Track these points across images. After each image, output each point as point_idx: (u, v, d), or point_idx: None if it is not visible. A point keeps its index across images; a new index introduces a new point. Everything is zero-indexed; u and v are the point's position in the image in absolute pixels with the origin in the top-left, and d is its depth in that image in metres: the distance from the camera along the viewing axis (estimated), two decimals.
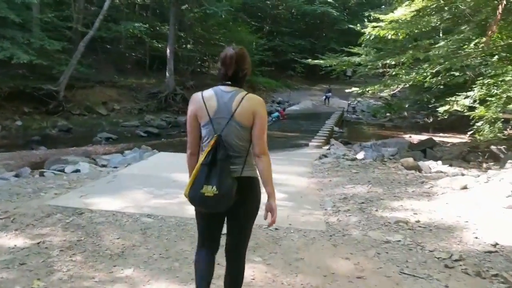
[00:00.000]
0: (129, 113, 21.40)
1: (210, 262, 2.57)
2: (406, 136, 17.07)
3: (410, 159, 7.52)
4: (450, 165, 8.22)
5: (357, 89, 13.37)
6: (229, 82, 2.38)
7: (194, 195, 2.30)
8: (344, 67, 13.93)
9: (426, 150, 9.55)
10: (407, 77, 10.44)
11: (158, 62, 26.04)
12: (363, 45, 15.22)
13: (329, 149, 12.39)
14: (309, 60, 14.29)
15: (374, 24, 10.42)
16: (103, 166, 8.23)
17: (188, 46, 28.87)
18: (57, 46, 18.23)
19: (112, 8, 25.81)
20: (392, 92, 15.40)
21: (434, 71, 9.67)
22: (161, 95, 22.35)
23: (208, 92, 2.40)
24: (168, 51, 22.83)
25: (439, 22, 9.65)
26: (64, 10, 21.61)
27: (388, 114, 28.63)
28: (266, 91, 31.08)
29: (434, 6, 9.05)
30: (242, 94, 2.35)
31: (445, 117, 16.68)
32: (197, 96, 2.42)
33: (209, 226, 2.54)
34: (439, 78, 11.79)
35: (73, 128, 18.25)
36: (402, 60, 9.36)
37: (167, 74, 22.85)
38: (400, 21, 10.22)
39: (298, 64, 33.53)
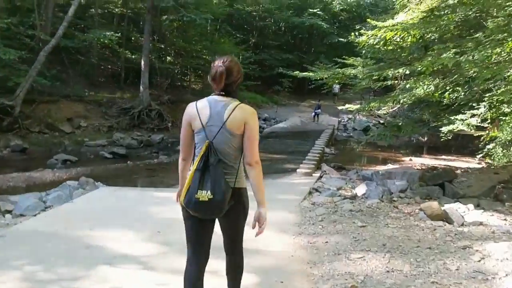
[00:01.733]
0: (97, 131, 19.19)
1: (197, 272, 2.54)
2: (406, 159, 15.11)
3: (434, 204, 5.48)
4: (483, 209, 6.19)
5: (354, 106, 11.44)
6: (223, 93, 2.48)
7: (189, 201, 2.35)
8: (336, 81, 11.96)
9: (444, 184, 7.52)
10: (424, 89, 8.50)
11: (134, 75, 23.94)
12: (361, 55, 13.36)
13: (321, 177, 10.38)
14: (297, 72, 12.28)
15: (375, 30, 8.51)
16: (7, 212, 6.05)
17: (168, 58, 26.86)
18: (13, 55, 16.07)
19: (87, 17, 23.89)
20: (391, 110, 13.46)
21: (459, 82, 7.73)
22: (133, 111, 20.19)
23: (202, 102, 2.53)
24: (142, 62, 20.77)
25: (459, 21, 7.70)
26: (29, 16, 19.53)
27: (376, 130, 27.08)
28: (251, 106, 29.08)
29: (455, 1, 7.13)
30: (235, 103, 2.47)
31: (449, 137, 14.85)
32: (191, 105, 2.55)
33: (198, 233, 2.55)
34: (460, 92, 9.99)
35: (29, 148, 15.97)
36: (419, 69, 7.38)
37: (141, 88, 20.76)
38: (406, 24, 8.30)
39: (285, 78, 31.65)
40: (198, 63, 26.67)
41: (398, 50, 9.62)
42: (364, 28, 10.86)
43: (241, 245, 2.71)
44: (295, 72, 12.39)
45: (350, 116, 29.45)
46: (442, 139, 12.83)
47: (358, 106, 12.03)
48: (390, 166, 13.41)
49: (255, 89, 31.24)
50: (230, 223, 2.57)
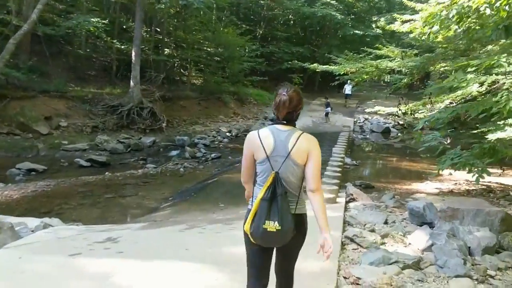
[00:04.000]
0: (79, 132, 16.60)
1: None
2: (444, 173, 12.33)
3: None
4: None
5: (386, 109, 8.77)
6: (285, 122, 2.54)
7: (256, 231, 2.39)
8: (366, 76, 9.26)
9: None
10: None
11: (127, 69, 21.27)
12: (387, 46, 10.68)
13: (347, 203, 7.77)
14: (316, 65, 9.63)
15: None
16: None
17: (167, 50, 24.20)
18: None
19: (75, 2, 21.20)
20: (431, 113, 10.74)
21: None
22: (122, 109, 17.58)
23: (265, 131, 2.56)
24: (133, 53, 18.13)
25: None
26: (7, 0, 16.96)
27: (399, 134, 24.29)
28: (257, 105, 26.40)
29: None
30: (298, 133, 2.52)
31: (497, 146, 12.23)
32: (253, 134, 2.58)
33: (260, 259, 2.59)
34: None
35: None
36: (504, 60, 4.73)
37: (131, 83, 18.14)
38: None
39: (295, 74, 28.93)
40: (199, 56, 24.01)
41: (464, 34, 6.89)
42: (380, 21, 8.33)
43: (293, 269, 2.72)
44: (312, 65, 9.69)
45: (367, 116, 26.80)
46: (485, 148, 10.25)
47: (397, 108, 9.31)
48: (429, 184, 10.71)
49: (261, 85, 28.54)
50: (289, 250, 2.60)
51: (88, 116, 17.58)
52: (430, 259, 4.65)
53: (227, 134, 19.68)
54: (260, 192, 2.45)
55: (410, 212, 6.68)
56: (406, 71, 7.85)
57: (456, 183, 10.71)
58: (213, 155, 14.85)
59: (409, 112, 9.57)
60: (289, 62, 29.31)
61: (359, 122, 25.19)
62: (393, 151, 18.49)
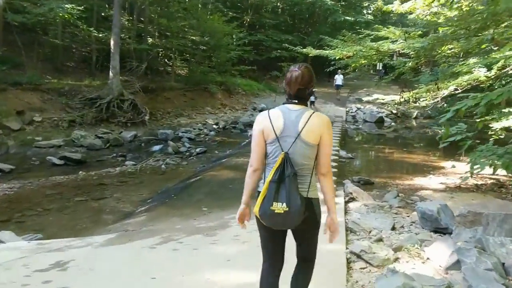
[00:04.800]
0: (55, 127, 15.44)
1: (273, 280, 2.61)
2: (446, 165, 11.48)
3: None
4: None
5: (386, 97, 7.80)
6: (296, 101, 2.48)
7: (264, 212, 2.37)
8: (365, 60, 8.28)
9: None
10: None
11: (108, 59, 20.05)
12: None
13: (347, 203, 6.88)
14: (309, 49, 8.64)
15: None
16: None
17: (150, 39, 23.01)
18: None
19: None
20: (433, 101, 9.85)
21: None
22: (101, 102, 16.45)
23: (275, 111, 2.50)
24: (112, 42, 16.96)
25: None
26: None
27: (393, 124, 23.45)
28: (245, 95, 25.35)
29: None
30: (309, 112, 2.46)
31: (501, 136, 11.44)
32: (263, 114, 2.52)
33: (273, 241, 2.60)
34: None
35: None
36: None
37: (110, 73, 17.00)
38: None
39: (285, 62, 27.85)
40: (184, 44, 22.85)
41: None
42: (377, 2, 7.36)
43: (314, 255, 2.72)
44: (305, 49, 8.67)
45: (359, 106, 25.92)
46: (492, 138, 9.43)
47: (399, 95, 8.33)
48: (433, 179, 9.83)
49: (250, 75, 27.48)
50: (303, 234, 2.58)
51: (64, 109, 16.41)
52: (458, 281, 3.73)
53: (214, 126, 18.65)
54: (269, 174, 2.41)
55: (422, 216, 5.76)
56: (412, 53, 6.93)
57: (461, 177, 9.82)
58: (198, 149, 13.82)
59: (412, 100, 8.63)
60: (278, 51, 28.29)
61: (351, 112, 24.32)
62: (388, 142, 17.61)
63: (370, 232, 5.54)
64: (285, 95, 2.57)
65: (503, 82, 12.30)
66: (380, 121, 22.83)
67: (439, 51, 6.97)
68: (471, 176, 6.04)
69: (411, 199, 7.75)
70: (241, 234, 5.31)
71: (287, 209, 2.30)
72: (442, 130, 3.80)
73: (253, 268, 4.06)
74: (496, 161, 3.46)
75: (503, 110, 10.72)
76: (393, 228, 5.79)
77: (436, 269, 4.14)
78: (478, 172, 4.02)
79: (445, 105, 12.64)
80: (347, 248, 4.63)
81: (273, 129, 2.44)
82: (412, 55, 7.33)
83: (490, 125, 12.05)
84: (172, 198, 8.04)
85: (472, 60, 9.92)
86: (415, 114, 24.48)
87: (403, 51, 7.36)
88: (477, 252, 3.89)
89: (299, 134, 2.41)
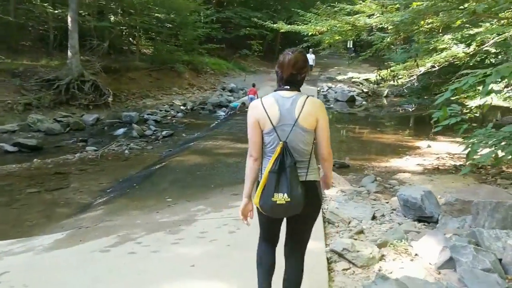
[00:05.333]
0: (9, 111, 14.34)
1: (272, 255, 2.68)
2: (421, 145, 11.19)
3: None
4: None
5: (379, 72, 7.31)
6: (287, 87, 2.44)
7: (265, 203, 2.35)
8: (339, 37, 7.72)
9: None
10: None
11: (64, 37, 18.81)
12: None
13: (324, 198, 6.35)
14: (281, 24, 8.01)
15: None
16: None
17: (113, 17, 21.78)
18: None
19: None
20: (410, 78, 9.43)
21: None
22: (60, 83, 15.41)
23: (268, 99, 2.44)
24: (69, 19, 15.86)
25: None
26: None
27: (364, 102, 23.17)
28: (214, 75, 24.53)
29: None
30: (303, 98, 2.42)
31: (477, 114, 11.31)
32: (257, 103, 2.46)
33: (272, 226, 2.63)
34: None
35: None
36: None
37: (69, 53, 15.94)
38: None
39: (254, 41, 27.13)
40: (149, 22, 21.78)
41: None
42: None
43: (305, 248, 2.67)
44: (277, 24, 8.04)
45: (330, 84, 25.50)
46: (469, 116, 9.15)
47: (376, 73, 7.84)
48: (409, 160, 9.48)
49: (218, 53, 26.59)
50: (302, 219, 2.52)
51: (19, 92, 15.28)
52: (454, 284, 3.28)
53: (182, 107, 17.85)
54: (268, 164, 2.37)
55: (404, 204, 5.33)
56: (390, 27, 6.43)
57: (438, 158, 9.53)
58: (164, 132, 13.09)
59: (388, 78, 8.17)
60: (247, 28, 27.46)
61: (322, 91, 23.88)
62: (360, 121, 17.29)
63: (349, 223, 5.09)
64: (277, 80, 2.50)
65: (479, 59, 12.02)
66: (351, 100, 22.53)
67: (419, 26, 6.49)
68: (470, 166, 5.64)
69: (389, 183, 7.35)
70: (208, 230, 4.77)
71: (289, 199, 2.27)
72: (437, 112, 3.30)
73: (220, 274, 3.53)
74: (499, 150, 2.98)
75: (478, 88, 10.48)
76: (374, 218, 5.35)
77: (427, 268, 3.69)
78: (481, 162, 3.51)
79: (416, 84, 12.30)
80: (327, 245, 4.14)
81: (269, 119, 2.39)
82: (390, 30, 6.86)
83: (465, 103, 11.80)
84: (134, 188, 7.39)
85: (447, 37, 9.53)
86: (386, 93, 24.30)
87: (380, 26, 6.88)
88: (474, 249, 3.44)
89: (296, 120, 2.36)
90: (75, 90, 15.68)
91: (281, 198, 2.28)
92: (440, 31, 7.50)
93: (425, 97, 14.32)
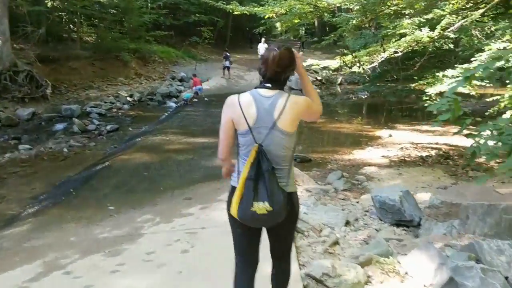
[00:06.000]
0: None
1: (250, 282, 2.37)
2: (383, 135, 10.77)
3: None
4: None
5: (343, 59, 6.70)
6: (269, 85, 2.19)
7: (243, 214, 2.09)
8: (298, 20, 7.01)
9: None
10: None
11: None
12: None
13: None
14: (234, 5, 7.19)
15: None
16: None
17: (48, 1, 20.11)
18: None
19: None
20: (371, 65, 8.91)
21: None
22: None
23: (246, 97, 2.19)
24: None
25: None
26: None
27: (318, 90, 22.78)
28: (163, 64, 23.31)
29: None
30: (284, 98, 2.16)
31: (433, 101, 10.96)
32: (232, 100, 2.20)
33: (249, 242, 2.35)
34: None
35: None
36: None
37: None
38: None
39: (204, 28, 26.06)
40: (90, 8, 20.30)
41: None
42: None
43: (290, 252, 2.53)
44: (230, 5, 7.25)
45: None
46: (426, 105, 8.78)
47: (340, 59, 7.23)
48: (372, 151, 9.00)
49: (167, 41, 25.35)
50: (282, 231, 2.32)
51: None
52: None
53: (128, 99, 16.65)
54: (244, 170, 2.11)
55: (381, 206, 4.73)
56: (357, 8, 5.80)
57: (402, 148, 9.11)
58: (108, 127, 11.98)
59: (350, 64, 7.59)
60: (197, 15, 26.34)
61: None
62: None
63: (321, 231, 4.44)
64: (259, 77, 2.28)
65: (437, 44, 11.70)
66: None
67: (388, 6, 5.92)
68: (487, 174, 5.10)
69: (356, 179, 6.79)
70: (156, 250, 3.97)
71: (271, 208, 2.04)
72: (434, 104, 2.68)
73: None
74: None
75: (437, 74, 10.14)
76: (347, 223, 4.73)
77: None
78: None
79: (378, 70, 11.88)
80: (301, 267, 3.45)
81: (245, 118, 2.15)
82: (356, 11, 6.25)
83: (426, 90, 11.50)
84: (71, 195, 6.43)
85: (407, 21, 9.10)
86: (339, 80, 24.09)
87: (345, 6, 6.25)
88: (480, 270, 2.84)
89: (275, 122, 2.13)
90: (7, 82, 14.18)
91: (261, 207, 2.04)
92: (406, 13, 6.97)
93: (378, 84, 14.04)
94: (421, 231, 4.32)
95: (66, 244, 4.42)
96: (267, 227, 2.28)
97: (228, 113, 2.21)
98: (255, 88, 2.23)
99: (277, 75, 2.18)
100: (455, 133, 2.92)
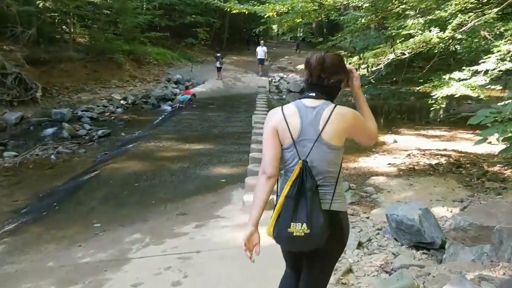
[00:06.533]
0: None
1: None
2: (388, 141, 10.30)
3: None
4: None
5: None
6: (313, 94, 1.99)
7: (280, 235, 1.93)
8: (301, 19, 6.52)
9: None
10: None
11: None
12: None
13: None
14: (230, 3, 6.71)
15: None
16: None
17: (40, 2, 19.51)
18: None
19: None
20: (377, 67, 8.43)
21: None
22: None
23: (290, 108, 2.01)
24: None
25: None
26: None
27: None
28: (158, 66, 22.75)
29: None
30: (330, 108, 1.95)
31: (442, 106, 10.52)
32: (276, 112, 2.04)
33: (291, 256, 2.22)
34: None
35: None
36: None
37: None
38: None
39: (201, 29, 25.58)
40: (84, 9, 19.72)
41: None
42: None
43: (325, 286, 2.15)
44: (228, 3, 6.76)
45: (282, 74, 24.44)
46: (433, 108, 8.32)
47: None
48: (378, 158, 8.51)
49: (162, 43, 24.83)
50: (321, 256, 2.04)
51: None
52: None
53: (122, 102, 16.09)
54: (285, 187, 1.94)
55: (398, 226, 4.22)
56: (366, 5, 5.32)
57: (409, 155, 8.61)
58: (100, 132, 11.42)
59: (359, 65, 7.11)
60: (193, 16, 25.81)
61: (274, 82, 22.78)
62: None
63: None
64: (304, 85, 2.06)
65: (443, 45, 11.21)
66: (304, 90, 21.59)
67: (398, 4, 5.44)
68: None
69: (364, 191, 6.27)
70: (144, 280, 3.47)
71: (308, 231, 1.85)
72: (476, 117, 2.22)
73: None
74: None
75: (443, 76, 9.68)
76: (359, 244, 4.23)
77: None
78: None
79: (383, 72, 11.39)
80: None
81: (289, 131, 1.96)
82: (365, 9, 5.77)
83: (432, 94, 11.02)
84: (53, 209, 5.89)
85: (414, 21, 8.62)
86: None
87: (353, 4, 5.77)
88: None
89: (320, 135, 1.92)
90: None
91: (298, 229, 1.88)
92: (412, 14, 6.48)
93: (379, 86, 13.57)
94: (445, 255, 3.81)
95: (42, 272, 3.89)
96: (304, 250, 2.04)
97: (271, 123, 2.02)
98: (298, 98, 2.06)
99: (320, 80, 2.00)
100: (480, 142, 2.43)
